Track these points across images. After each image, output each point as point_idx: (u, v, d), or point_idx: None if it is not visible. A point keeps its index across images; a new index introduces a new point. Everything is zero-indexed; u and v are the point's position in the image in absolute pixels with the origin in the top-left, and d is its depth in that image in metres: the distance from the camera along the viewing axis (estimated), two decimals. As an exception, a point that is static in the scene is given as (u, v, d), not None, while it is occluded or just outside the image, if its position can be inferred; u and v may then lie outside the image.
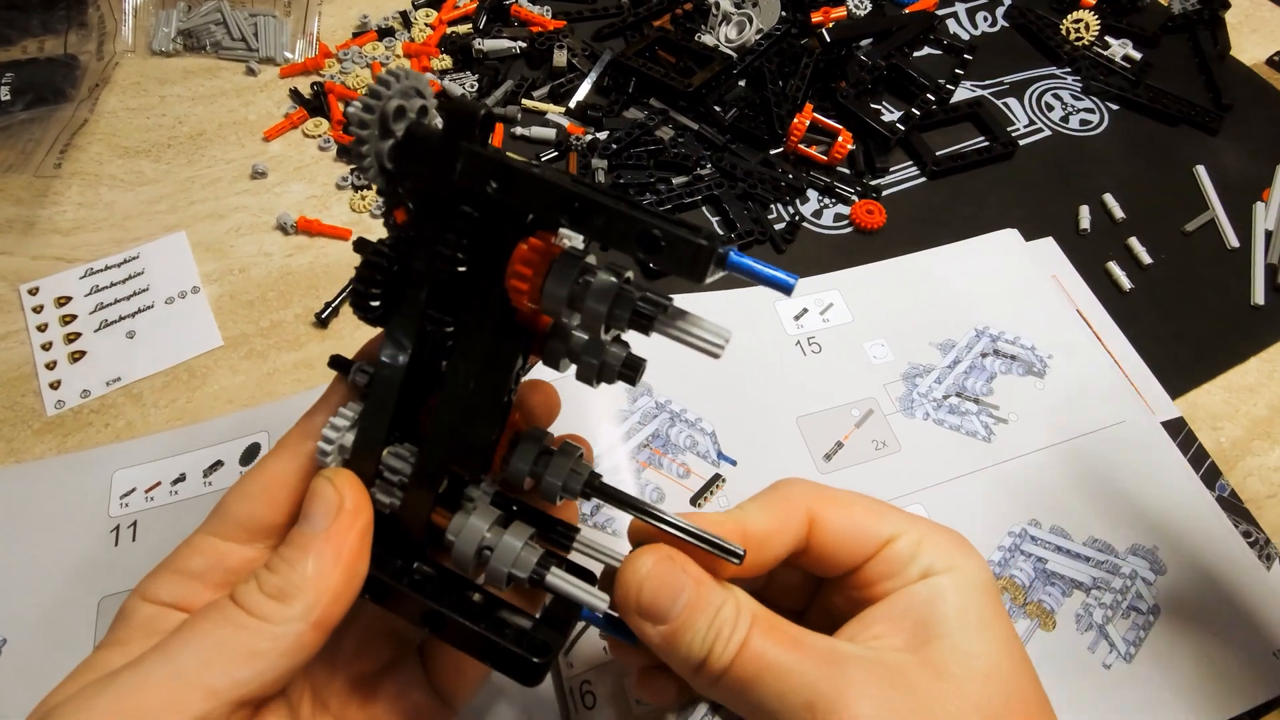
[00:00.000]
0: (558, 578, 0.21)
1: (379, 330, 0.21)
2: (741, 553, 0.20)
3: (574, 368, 0.21)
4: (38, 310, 0.40)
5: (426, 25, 0.54)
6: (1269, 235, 0.47)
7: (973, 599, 0.21)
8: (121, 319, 0.40)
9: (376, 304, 0.20)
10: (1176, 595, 0.34)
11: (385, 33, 0.54)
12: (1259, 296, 0.44)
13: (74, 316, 0.40)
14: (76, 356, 0.39)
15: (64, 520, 0.34)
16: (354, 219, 0.45)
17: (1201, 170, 0.50)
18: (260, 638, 0.18)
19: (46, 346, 0.39)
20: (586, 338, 0.21)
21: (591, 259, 0.19)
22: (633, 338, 0.20)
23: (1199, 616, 0.34)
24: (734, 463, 0.35)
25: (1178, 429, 0.39)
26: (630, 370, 0.20)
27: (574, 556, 0.23)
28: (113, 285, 0.42)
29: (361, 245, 0.21)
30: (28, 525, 0.33)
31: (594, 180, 0.46)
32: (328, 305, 0.41)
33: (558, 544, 0.23)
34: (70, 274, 0.42)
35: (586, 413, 0.36)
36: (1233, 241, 0.47)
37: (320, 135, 0.48)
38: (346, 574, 0.19)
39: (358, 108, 0.19)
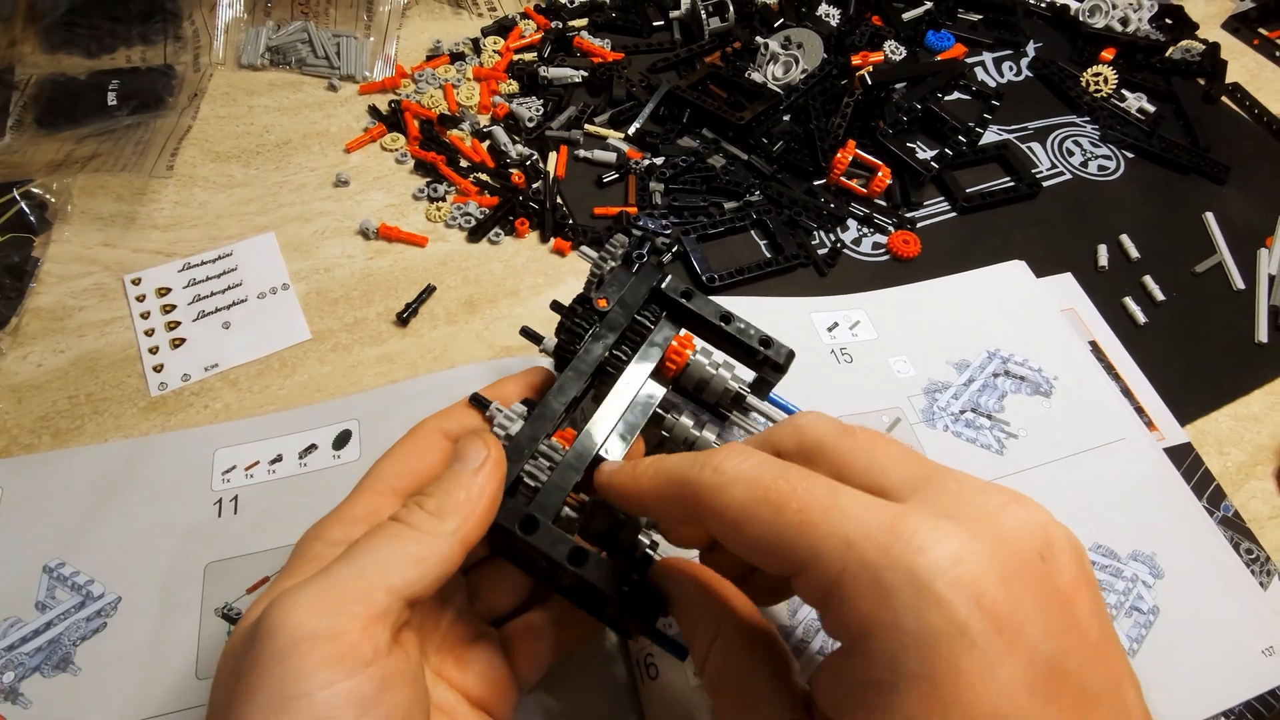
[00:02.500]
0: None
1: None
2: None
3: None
4: (140, 299, 0.44)
5: (495, 52, 0.58)
6: (1272, 279, 0.51)
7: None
8: (218, 310, 0.44)
9: (572, 353, 0.31)
10: (1174, 597, 0.37)
11: (456, 57, 0.58)
12: (1262, 334, 0.48)
13: (173, 306, 0.44)
14: (177, 343, 0.42)
15: (171, 492, 0.37)
16: (430, 227, 0.49)
17: (1210, 217, 0.54)
18: (422, 546, 0.22)
19: (149, 333, 0.43)
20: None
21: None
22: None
23: (1195, 617, 0.37)
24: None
25: (1186, 453, 0.43)
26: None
27: None
28: (208, 279, 0.45)
29: (557, 306, 0.33)
30: (138, 495, 0.36)
31: (653, 203, 0.50)
32: (408, 306, 0.44)
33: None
34: (169, 267, 0.45)
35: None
36: (1239, 284, 0.50)
37: (397, 149, 0.52)
38: (488, 505, 0.24)
39: (609, 249, 0.34)
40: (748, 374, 0.34)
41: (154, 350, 0.42)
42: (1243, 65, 0.66)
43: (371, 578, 0.21)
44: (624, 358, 0.31)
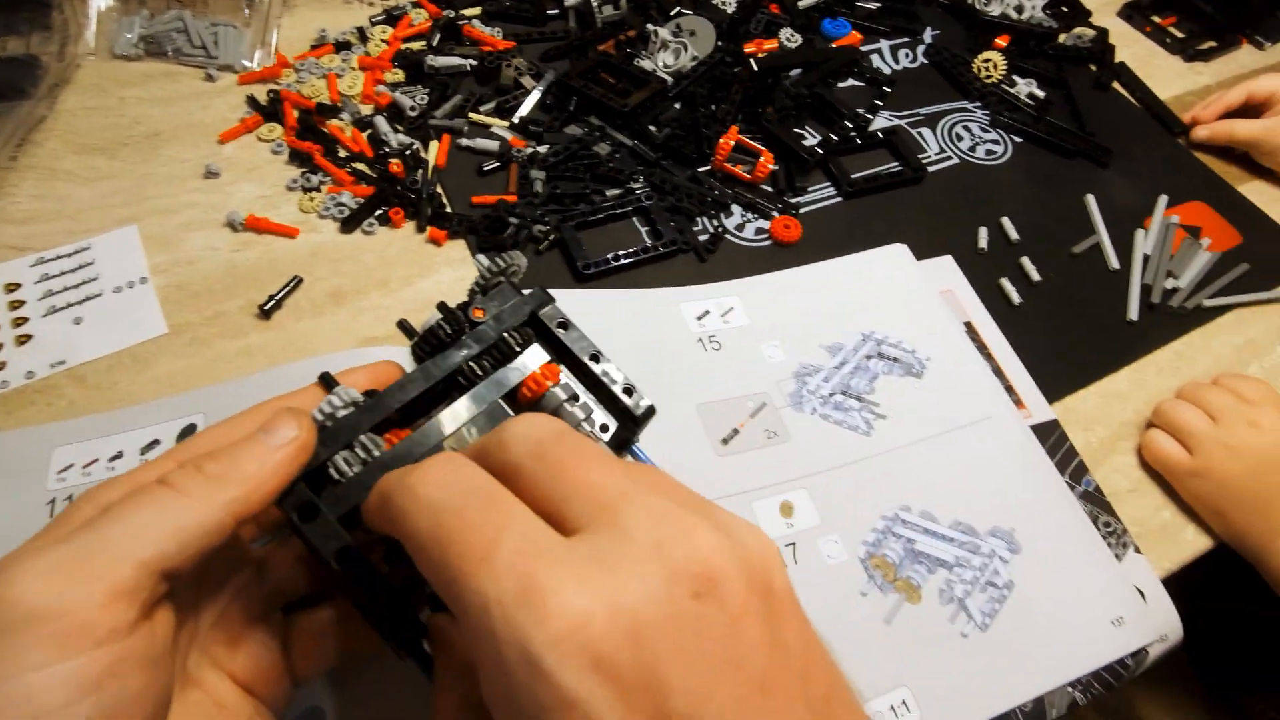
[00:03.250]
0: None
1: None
2: None
3: None
4: (-13, 295, 0.42)
5: (382, 41, 0.57)
6: (1146, 259, 0.52)
7: None
8: (69, 305, 0.42)
9: (427, 353, 0.30)
10: (1029, 572, 0.38)
11: (342, 46, 0.57)
12: (1133, 313, 0.49)
13: (22, 302, 0.42)
14: (23, 340, 0.41)
15: (1, 493, 0.35)
16: (302, 218, 0.48)
17: (1091, 199, 0.55)
18: (185, 514, 0.20)
19: (-8, 330, 0.41)
20: None
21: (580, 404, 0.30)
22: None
23: (1048, 590, 0.37)
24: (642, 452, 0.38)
25: (1051, 430, 0.43)
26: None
27: None
28: (63, 274, 0.43)
29: (443, 307, 0.31)
30: (-35, 497, 0.35)
31: (534, 190, 0.49)
32: (271, 298, 0.43)
33: None
34: (20, 262, 0.44)
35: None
36: (1114, 263, 0.51)
37: (274, 140, 0.51)
38: (276, 483, 0.22)
39: (496, 264, 0.33)
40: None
41: (-3, 348, 0.40)
42: (1134, 53, 0.67)
43: (120, 547, 0.19)
44: (481, 372, 0.30)
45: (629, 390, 0.31)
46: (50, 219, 0.46)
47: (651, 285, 0.46)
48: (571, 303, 0.43)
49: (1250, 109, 0.60)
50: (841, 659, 0.34)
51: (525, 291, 0.32)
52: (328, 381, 0.29)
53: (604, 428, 0.30)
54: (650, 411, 0.31)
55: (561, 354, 0.31)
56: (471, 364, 0.29)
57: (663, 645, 0.16)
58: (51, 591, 0.18)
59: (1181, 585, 0.40)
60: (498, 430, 0.21)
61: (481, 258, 0.33)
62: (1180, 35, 0.69)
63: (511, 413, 0.29)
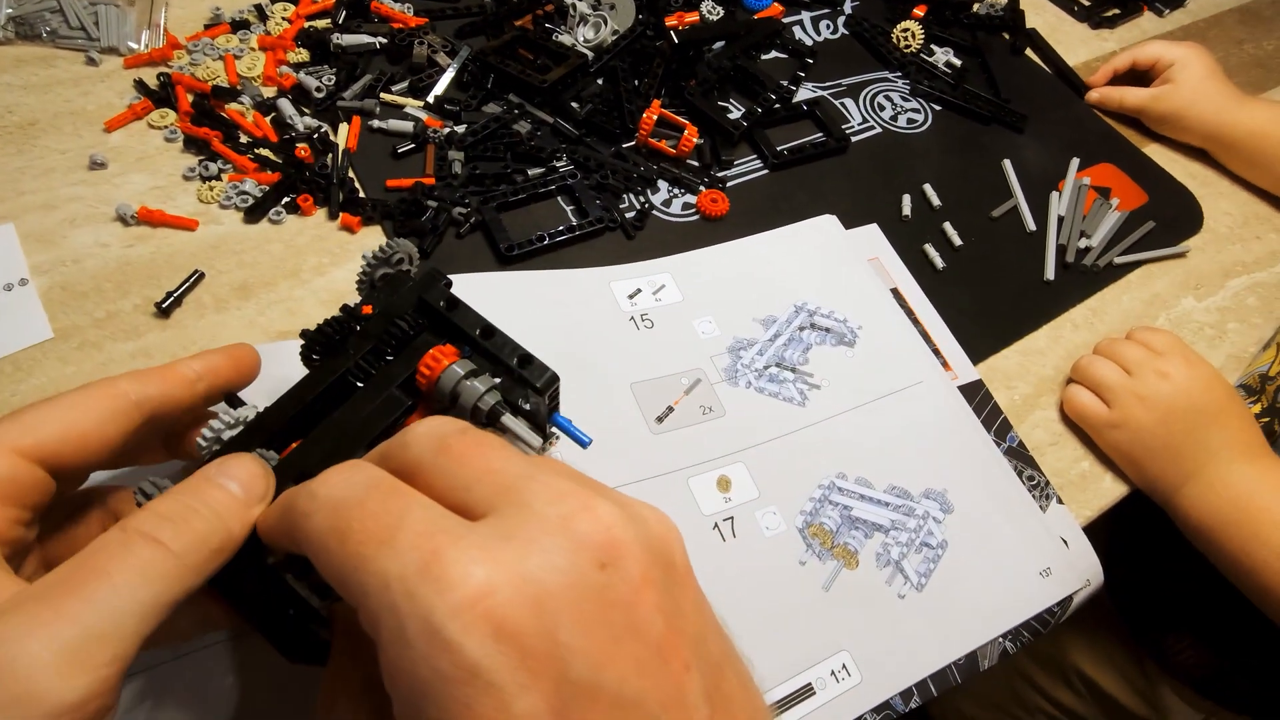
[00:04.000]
0: (510, 420, 0.28)
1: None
2: None
3: None
4: None
5: (284, 19, 0.54)
6: (1060, 220, 0.53)
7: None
8: (-63, 313, 0.39)
9: (316, 357, 0.30)
10: (961, 530, 0.38)
11: (240, 25, 0.53)
12: (1050, 273, 0.51)
13: (-118, 312, 0.38)
14: (-116, 352, 0.37)
15: None
16: (202, 209, 0.45)
17: (1008, 164, 0.56)
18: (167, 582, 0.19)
19: None
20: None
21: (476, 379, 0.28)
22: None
23: (979, 546, 0.38)
24: (552, 434, 0.37)
25: (976, 390, 0.44)
26: None
27: None
28: (-72, 279, 0.40)
29: (345, 308, 0.30)
30: None
31: (453, 172, 0.47)
32: (169, 294, 0.40)
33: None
34: (-122, 268, 0.39)
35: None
36: (1031, 225, 0.53)
37: (166, 126, 0.47)
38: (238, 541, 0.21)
39: (379, 255, 0.31)
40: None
41: None
42: (1044, 20, 0.69)
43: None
44: (370, 367, 0.28)
45: (525, 360, 0.29)
46: (-89, 220, 0.42)
47: (578, 265, 0.45)
48: (498, 285, 0.42)
49: (1141, 76, 0.62)
50: (781, 628, 0.34)
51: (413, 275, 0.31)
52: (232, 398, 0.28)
53: (513, 404, 0.29)
54: (552, 379, 0.29)
55: (450, 334, 0.30)
56: (363, 361, 0.28)
57: (565, 613, 0.16)
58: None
59: (1100, 531, 0.42)
60: (400, 434, 0.20)
61: (366, 251, 0.32)
62: (1086, 3, 0.71)
63: (408, 401, 0.28)
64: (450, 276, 0.31)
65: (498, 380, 0.30)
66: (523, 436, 0.29)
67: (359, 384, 0.28)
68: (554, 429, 0.31)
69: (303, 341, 0.30)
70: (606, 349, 0.40)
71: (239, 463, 0.23)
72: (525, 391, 0.30)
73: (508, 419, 0.29)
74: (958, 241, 0.51)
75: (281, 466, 0.25)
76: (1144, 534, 0.52)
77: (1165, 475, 0.42)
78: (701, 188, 0.50)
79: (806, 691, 0.33)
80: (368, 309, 0.30)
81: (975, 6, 0.67)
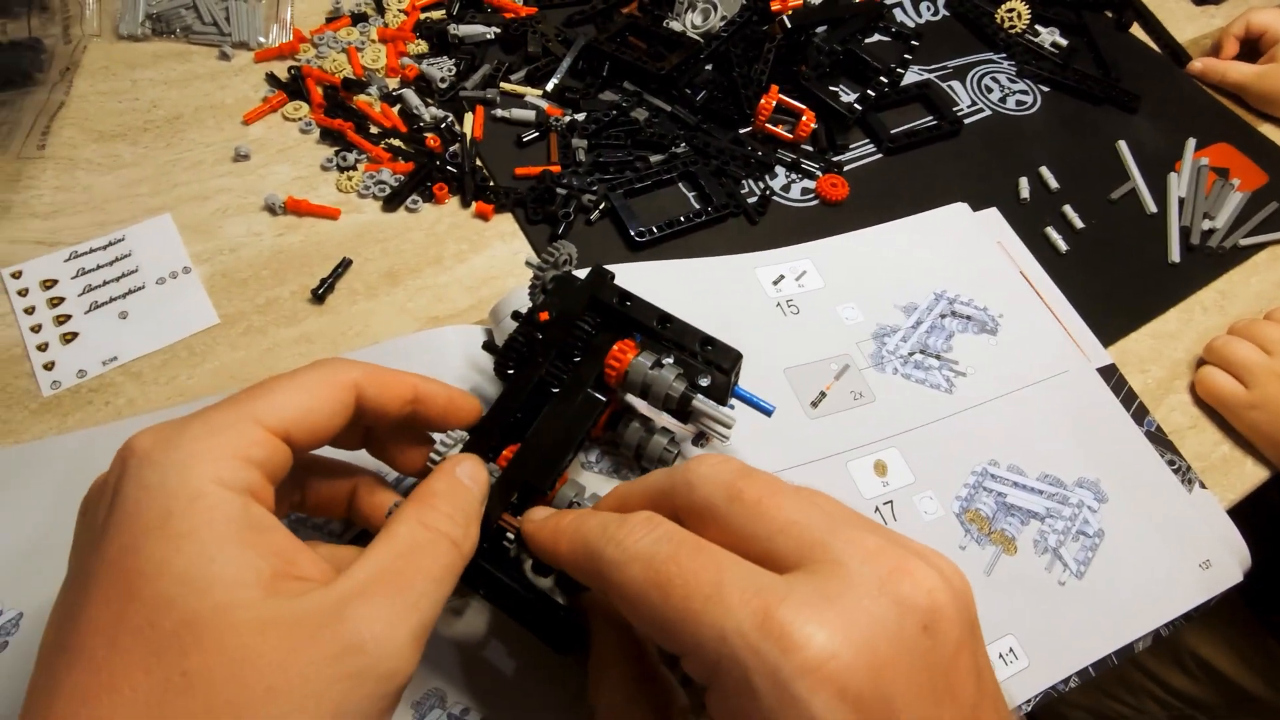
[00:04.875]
0: (701, 401, 0.30)
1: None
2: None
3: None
4: (23, 294, 0.40)
5: (400, 11, 0.55)
6: (1181, 202, 0.52)
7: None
8: (112, 300, 0.40)
9: (511, 369, 0.31)
10: (1118, 519, 0.38)
11: (359, 18, 0.54)
12: (1175, 255, 0.50)
13: (62, 299, 0.40)
14: (69, 338, 0.39)
15: (74, 496, 0.34)
16: (342, 198, 0.46)
17: (1123, 145, 0.55)
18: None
19: (36, 329, 0.39)
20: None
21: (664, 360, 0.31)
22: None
23: (1137, 536, 0.38)
24: (732, 406, 0.38)
25: (1110, 373, 0.44)
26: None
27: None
28: (99, 268, 0.41)
29: (517, 316, 0.32)
30: (34, 502, 0.34)
31: (578, 160, 0.48)
32: (323, 282, 0.42)
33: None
34: (54, 257, 0.41)
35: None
36: (1151, 208, 0.52)
37: (301, 118, 0.49)
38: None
39: (546, 258, 0.33)
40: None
41: (43, 348, 0.39)
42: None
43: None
44: (561, 371, 0.30)
45: (707, 342, 0.31)
46: (77, 211, 0.44)
47: (704, 251, 0.45)
48: (643, 276, 0.43)
49: (1253, 47, 0.61)
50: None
51: (582, 275, 0.33)
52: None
53: (695, 385, 0.30)
54: (737, 357, 0.31)
55: (629, 327, 0.31)
56: (553, 367, 0.30)
57: (899, 678, 0.18)
58: None
59: (1238, 518, 0.41)
60: (680, 471, 0.22)
61: (531, 258, 0.33)
62: (1189, -21, 0.69)
63: (603, 399, 0.29)
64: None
65: (681, 368, 0.31)
66: (716, 417, 0.30)
67: (554, 389, 0.29)
68: (735, 400, 0.32)
69: (494, 359, 0.31)
70: (758, 335, 0.41)
71: (474, 465, 0.25)
72: (709, 370, 0.31)
73: (699, 401, 0.30)
74: (1079, 224, 0.50)
75: (504, 479, 0.27)
76: (1269, 515, 0.52)
77: None
78: (819, 173, 0.50)
79: None
80: (544, 315, 0.32)
81: (1078, -15, 0.65)
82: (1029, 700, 0.33)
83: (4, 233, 0.42)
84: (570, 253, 0.34)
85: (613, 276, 0.32)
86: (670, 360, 0.31)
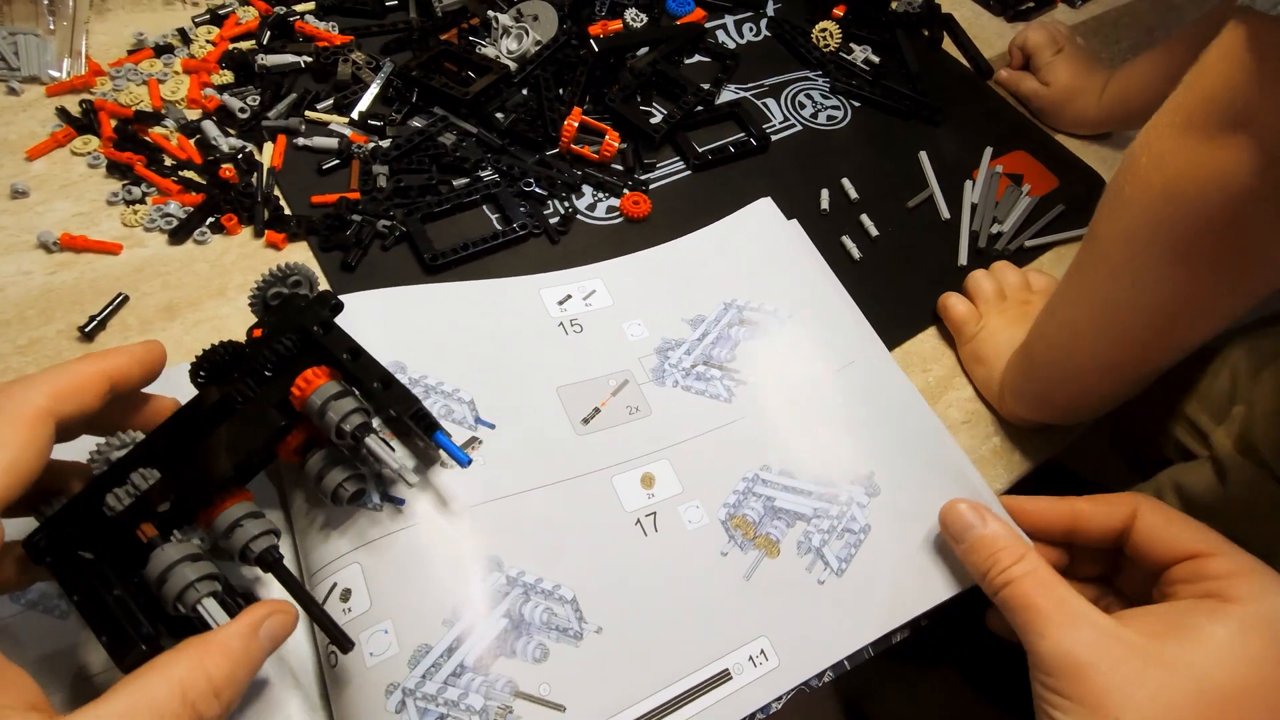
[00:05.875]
0: (376, 443, 0.30)
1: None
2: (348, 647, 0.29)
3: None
4: None
5: (208, 42, 0.54)
6: (974, 207, 0.55)
7: (1249, 632, 0.28)
8: None
9: (203, 377, 0.31)
10: (885, 512, 0.40)
11: (163, 50, 0.54)
12: (964, 258, 0.53)
13: None
14: None
15: None
16: (126, 233, 0.45)
17: (924, 155, 0.58)
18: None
19: None
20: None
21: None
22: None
23: (905, 529, 0.39)
24: (492, 426, 0.38)
25: (894, 374, 0.46)
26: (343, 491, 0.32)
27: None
28: None
29: (249, 335, 0.33)
30: None
31: (378, 186, 0.48)
32: (93, 318, 0.41)
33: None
34: None
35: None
36: (945, 214, 0.55)
37: (89, 152, 0.48)
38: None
39: (273, 274, 0.34)
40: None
41: None
42: (961, 15, 0.71)
43: None
44: (250, 389, 0.30)
45: (386, 382, 0.32)
46: None
47: (504, 272, 0.46)
48: (425, 298, 0.43)
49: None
50: (703, 617, 0.35)
51: (307, 297, 0.33)
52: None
53: (367, 426, 0.31)
54: (411, 403, 0.32)
55: (323, 355, 0.32)
56: (243, 383, 0.30)
57: None
58: None
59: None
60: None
61: (260, 274, 0.33)
62: (1002, -3, 0.74)
63: (282, 420, 0.30)
64: (372, 292, 0.33)
65: (367, 405, 0.31)
66: (383, 458, 0.30)
67: (236, 401, 0.29)
68: (436, 447, 0.32)
69: (192, 363, 0.31)
70: (534, 354, 0.41)
71: (281, 621, 0.27)
72: (384, 413, 0.31)
73: (371, 440, 0.30)
74: (874, 232, 0.53)
75: (162, 484, 0.27)
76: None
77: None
78: (625, 191, 0.52)
79: (724, 677, 0.34)
80: (257, 332, 0.32)
81: (893, 4, 0.69)
82: (779, 698, 0.34)
83: None
84: (308, 276, 0.34)
85: (338, 306, 0.32)
86: (355, 396, 0.31)
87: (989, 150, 0.59)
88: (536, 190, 0.50)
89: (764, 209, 0.51)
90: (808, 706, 0.64)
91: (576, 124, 0.51)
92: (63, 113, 0.49)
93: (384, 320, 0.40)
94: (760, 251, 0.49)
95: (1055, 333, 0.41)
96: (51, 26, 0.52)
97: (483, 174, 0.50)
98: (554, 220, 0.49)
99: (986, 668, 0.61)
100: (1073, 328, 0.39)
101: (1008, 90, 0.65)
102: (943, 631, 0.38)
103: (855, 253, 0.51)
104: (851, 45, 0.64)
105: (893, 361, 0.45)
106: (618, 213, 0.51)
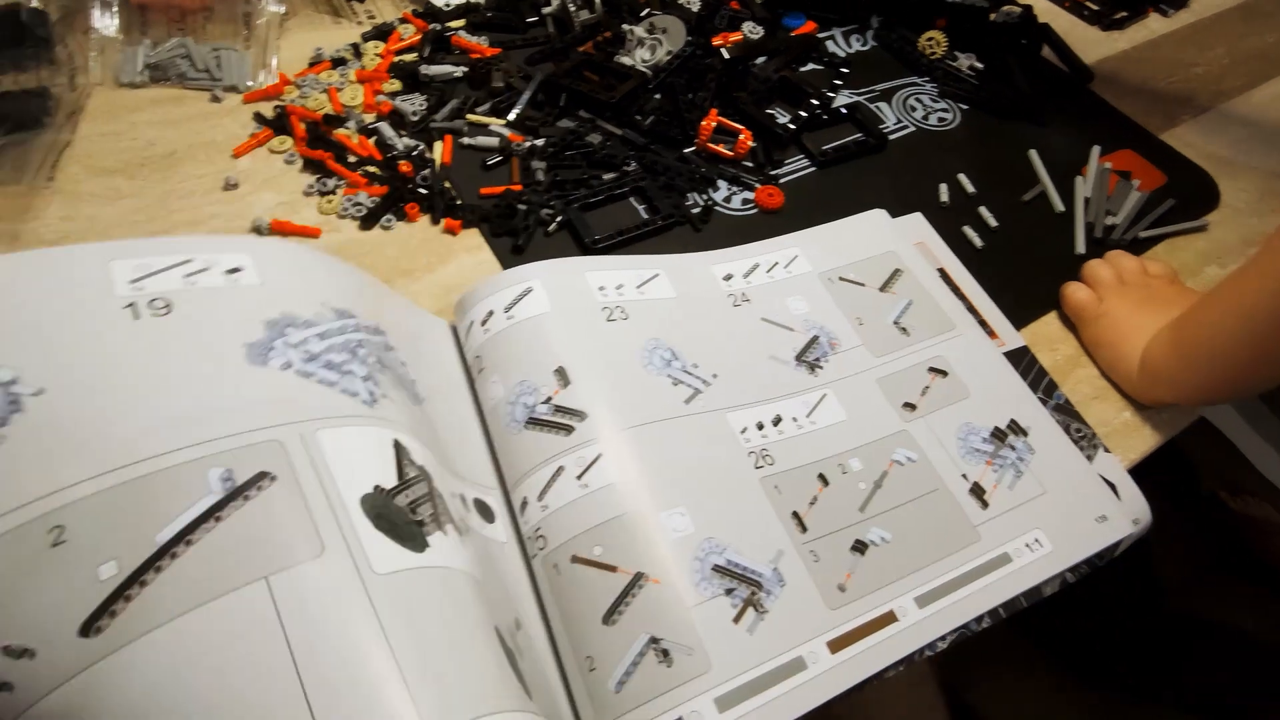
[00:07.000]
0: None
1: None
2: None
3: None
4: (32, 310, 0.44)
5: (376, 55, 0.61)
6: (1087, 201, 0.58)
7: None
8: (113, 314, 0.45)
9: None
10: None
11: (338, 62, 0.60)
12: (1080, 247, 0.55)
13: (67, 314, 0.44)
14: (73, 347, 0.43)
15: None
16: (323, 220, 0.51)
17: (1034, 153, 0.61)
18: None
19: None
20: None
21: None
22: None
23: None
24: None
25: (1022, 355, 0.49)
26: None
27: None
28: (101, 286, 0.46)
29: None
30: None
31: (537, 179, 0.53)
32: (305, 292, 0.46)
33: None
34: (60, 278, 0.46)
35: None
36: (1060, 206, 0.58)
37: (285, 151, 0.54)
38: None
39: None
40: None
41: (50, 356, 0.42)
42: (1057, 26, 0.74)
43: None
44: None
45: None
46: (81, 237, 0.48)
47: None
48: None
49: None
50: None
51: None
52: None
53: None
54: None
55: None
56: None
57: None
58: None
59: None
60: None
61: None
62: (1095, 7, 0.77)
63: None
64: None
65: None
66: None
67: None
68: None
69: None
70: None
71: None
72: None
73: None
74: (993, 223, 0.56)
75: None
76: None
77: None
78: (757, 185, 0.56)
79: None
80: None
81: (992, 16, 0.72)
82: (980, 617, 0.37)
83: (14, 258, 0.46)
84: None
85: None
86: None
87: (1096, 149, 0.62)
88: (678, 184, 0.55)
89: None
90: (911, 693, 0.66)
91: (714, 124, 0.56)
92: (259, 117, 0.56)
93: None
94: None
95: (1229, 320, 0.41)
96: (248, 42, 0.59)
97: (628, 169, 0.55)
98: (695, 211, 0.54)
99: (1090, 664, 0.62)
100: (1252, 315, 0.39)
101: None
102: (1050, 622, 0.40)
103: (977, 241, 0.54)
104: (956, 53, 0.68)
105: (998, 351, 0.48)
106: (752, 204, 0.55)
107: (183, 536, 0.27)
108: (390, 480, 0.31)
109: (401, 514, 0.30)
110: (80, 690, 0.25)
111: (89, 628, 0.25)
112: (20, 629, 0.25)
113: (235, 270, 0.36)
